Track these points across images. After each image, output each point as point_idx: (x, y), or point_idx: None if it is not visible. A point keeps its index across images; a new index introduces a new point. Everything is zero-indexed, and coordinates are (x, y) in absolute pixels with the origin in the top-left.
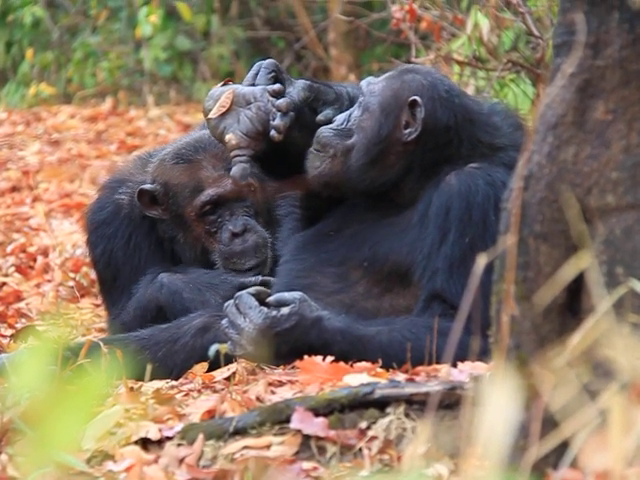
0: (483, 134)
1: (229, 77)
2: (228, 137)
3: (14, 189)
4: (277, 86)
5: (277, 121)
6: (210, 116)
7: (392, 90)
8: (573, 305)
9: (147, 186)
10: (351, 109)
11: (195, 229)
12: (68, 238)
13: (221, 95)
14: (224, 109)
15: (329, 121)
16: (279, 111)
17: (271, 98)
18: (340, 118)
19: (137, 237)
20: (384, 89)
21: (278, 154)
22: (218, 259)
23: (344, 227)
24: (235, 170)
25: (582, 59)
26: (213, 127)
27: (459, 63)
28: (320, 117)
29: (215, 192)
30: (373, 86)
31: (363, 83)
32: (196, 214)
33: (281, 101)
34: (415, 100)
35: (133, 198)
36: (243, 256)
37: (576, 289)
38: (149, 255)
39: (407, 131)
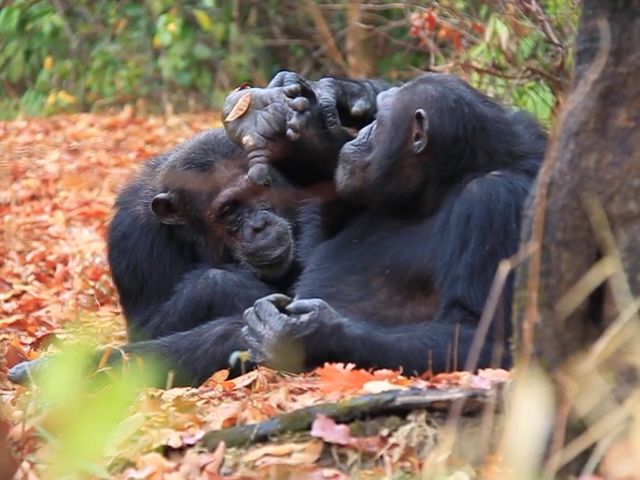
0: (499, 143)
1: (247, 82)
2: (245, 139)
3: (33, 197)
4: (293, 86)
5: (293, 120)
6: (228, 119)
7: (402, 103)
8: (595, 312)
9: (161, 195)
10: (372, 123)
11: (216, 230)
12: (87, 246)
13: (239, 99)
14: (242, 112)
15: (365, 112)
16: (295, 110)
17: (287, 98)
18: (362, 132)
19: (159, 245)
20: (396, 102)
21: (299, 160)
22: (242, 256)
23: (367, 234)
24: (252, 171)
25: (604, 66)
26: (231, 130)
27: (478, 71)
28: (356, 109)
29: (232, 191)
30: (387, 99)
31: (379, 97)
32: (216, 216)
33: (297, 100)
34: (419, 113)
35: (148, 207)
36: (268, 248)
37: (598, 296)
38: (173, 261)
39: (417, 143)
